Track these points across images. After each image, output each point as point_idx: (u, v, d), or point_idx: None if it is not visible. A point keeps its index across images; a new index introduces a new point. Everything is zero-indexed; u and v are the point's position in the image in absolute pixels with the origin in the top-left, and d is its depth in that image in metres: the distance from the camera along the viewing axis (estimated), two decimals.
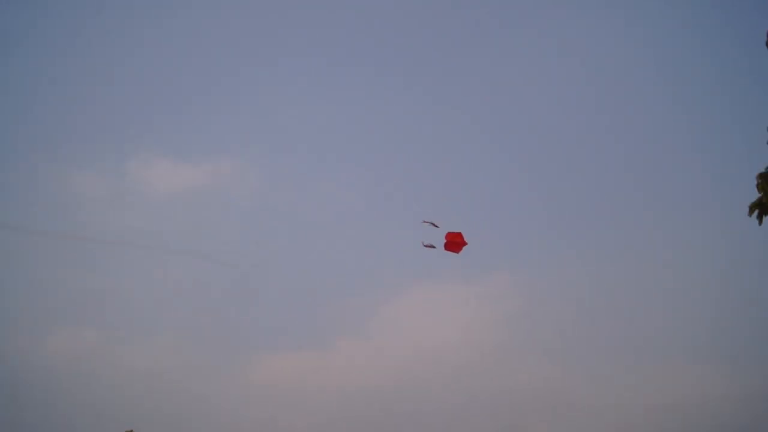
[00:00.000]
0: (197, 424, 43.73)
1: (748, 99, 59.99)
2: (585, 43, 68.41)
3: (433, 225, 22.60)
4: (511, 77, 70.51)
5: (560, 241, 63.84)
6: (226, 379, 51.67)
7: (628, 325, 55.59)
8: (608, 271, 60.04)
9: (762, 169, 11.14)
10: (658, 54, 66.68)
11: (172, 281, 59.50)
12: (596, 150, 69.39)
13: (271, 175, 67.72)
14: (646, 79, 66.99)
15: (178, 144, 65.83)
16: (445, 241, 22.76)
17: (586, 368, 51.52)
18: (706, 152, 65.02)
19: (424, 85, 70.45)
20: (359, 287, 61.56)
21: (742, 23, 59.55)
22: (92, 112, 62.76)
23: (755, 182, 11.08)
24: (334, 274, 62.75)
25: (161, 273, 60.51)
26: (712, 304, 55.05)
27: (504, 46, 70.26)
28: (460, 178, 69.12)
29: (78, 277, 56.22)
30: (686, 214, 62.87)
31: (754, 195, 11.08)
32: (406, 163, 70.93)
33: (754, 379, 47.40)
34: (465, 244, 22.87)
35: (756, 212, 11.04)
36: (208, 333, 56.92)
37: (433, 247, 22.65)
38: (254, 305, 59.95)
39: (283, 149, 71.18)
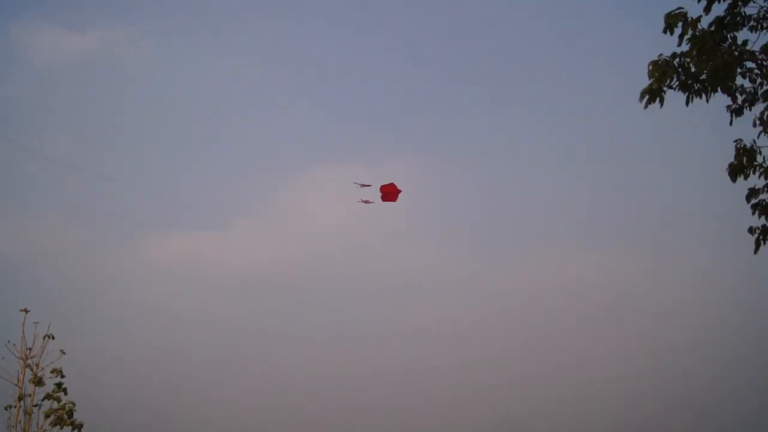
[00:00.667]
0: (92, 303, 43.13)
1: None
2: None
3: (365, 185, 25.79)
4: None
5: (462, 122, 64.64)
6: (121, 257, 50.78)
7: (523, 214, 58.28)
8: (508, 157, 61.77)
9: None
10: None
11: (61, 155, 56.62)
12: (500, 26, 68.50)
13: (168, 48, 63.98)
14: None
15: (64, 8, 60.64)
16: (381, 194, 25.99)
17: (474, 253, 53.93)
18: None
19: None
20: (261, 167, 60.67)
21: None
22: None
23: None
24: (234, 153, 61.19)
25: (49, 146, 57.33)
26: (605, 191, 58.16)
27: None
28: (369, 61, 67.83)
29: None
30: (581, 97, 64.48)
31: None
32: (313, 43, 68.65)
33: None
34: (400, 191, 26.12)
35: (646, 98, 11.49)
36: (101, 209, 55.11)
37: (371, 201, 25.91)
38: (150, 182, 58.27)
39: (181, 18, 66.74)
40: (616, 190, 57.27)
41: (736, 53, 11.33)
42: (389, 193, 26.66)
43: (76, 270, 47.18)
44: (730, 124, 12.03)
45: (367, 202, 26.25)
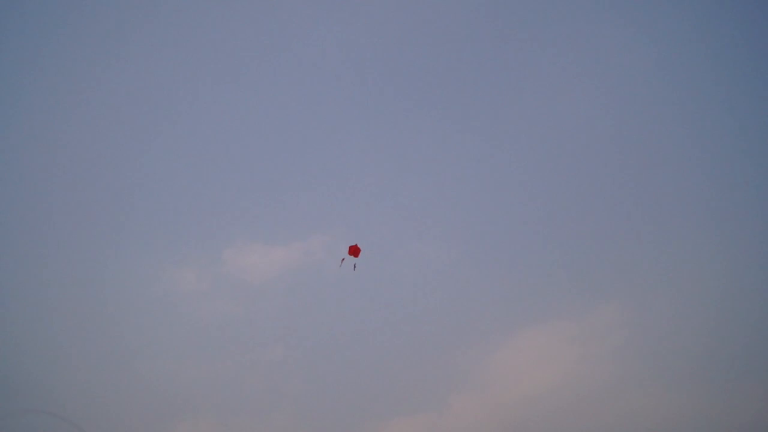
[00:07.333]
0: None
1: None
2: None
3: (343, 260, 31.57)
4: None
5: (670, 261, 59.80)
6: None
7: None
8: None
9: None
10: None
11: (275, 364, 60.04)
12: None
13: (361, 245, 67.89)
14: None
15: (268, 227, 67.40)
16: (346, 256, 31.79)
17: (714, 392, 48.01)
18: None
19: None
20: (463, 340, 59.81)
21: None
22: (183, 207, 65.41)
23: None
24: (435, 332, 61.36)
25: (267, 355, 61.31)
26: None
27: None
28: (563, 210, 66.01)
29: (189, 370, 57.82)
30: None
31: None
32: (499, 207, 69.30)
33: None
34: (359, 250, 32.22)
35: None
36: (326, 404, 56.82)
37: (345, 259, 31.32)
38: (365, 374, 59.70)
39: (370, 216, 71.22)
40: None
41: None
42: (355, 251, 32.19)
43: None
44: None
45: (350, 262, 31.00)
